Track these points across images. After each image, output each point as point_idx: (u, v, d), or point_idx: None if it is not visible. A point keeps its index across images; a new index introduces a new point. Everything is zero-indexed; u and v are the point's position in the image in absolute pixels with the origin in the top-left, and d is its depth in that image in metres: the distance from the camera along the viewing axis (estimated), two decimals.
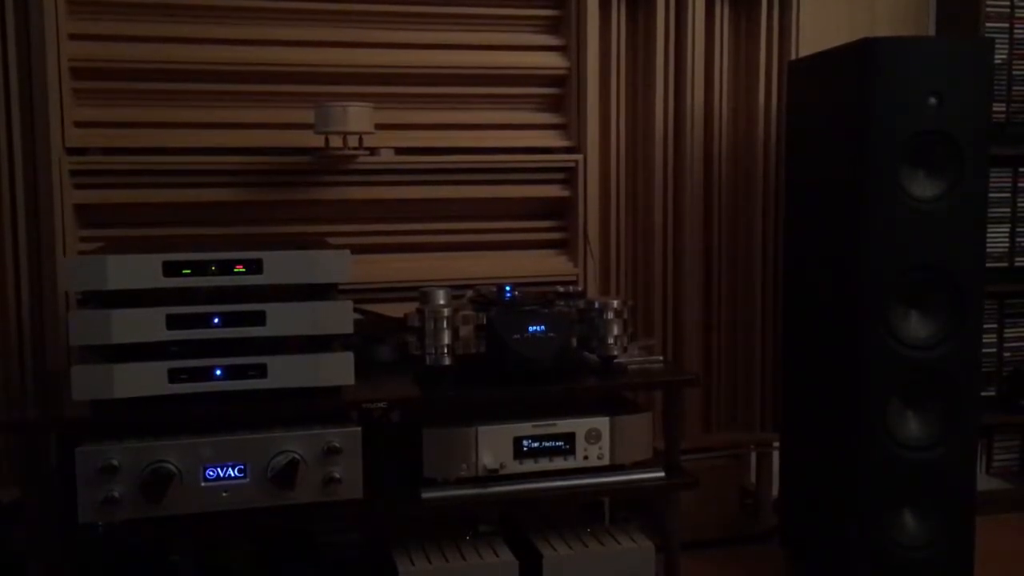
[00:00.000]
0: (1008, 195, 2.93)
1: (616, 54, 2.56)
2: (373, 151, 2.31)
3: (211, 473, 1.74)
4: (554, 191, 2.48)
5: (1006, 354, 3.00)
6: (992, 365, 2.98)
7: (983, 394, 2.90)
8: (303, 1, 2.29)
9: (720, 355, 2.71)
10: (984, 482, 2.95)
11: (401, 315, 2.09)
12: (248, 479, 1.76)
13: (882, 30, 2.92)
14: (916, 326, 2.17)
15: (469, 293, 2.15)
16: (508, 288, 2.06)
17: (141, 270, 1.73)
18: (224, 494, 1.75)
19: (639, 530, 2.11)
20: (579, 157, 2.45)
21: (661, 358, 2.17)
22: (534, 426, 1.96)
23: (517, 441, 1.94)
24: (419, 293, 2.06)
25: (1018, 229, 2.94)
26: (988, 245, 2.28)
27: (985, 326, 2.80)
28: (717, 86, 2.63)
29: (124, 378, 1.72)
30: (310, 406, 1.83)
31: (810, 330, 2.39)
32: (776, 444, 2.71)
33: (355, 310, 1.89)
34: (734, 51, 2.67)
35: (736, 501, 2.76)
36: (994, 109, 2.73)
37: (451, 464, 1.91)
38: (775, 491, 2.74)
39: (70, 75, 2.16)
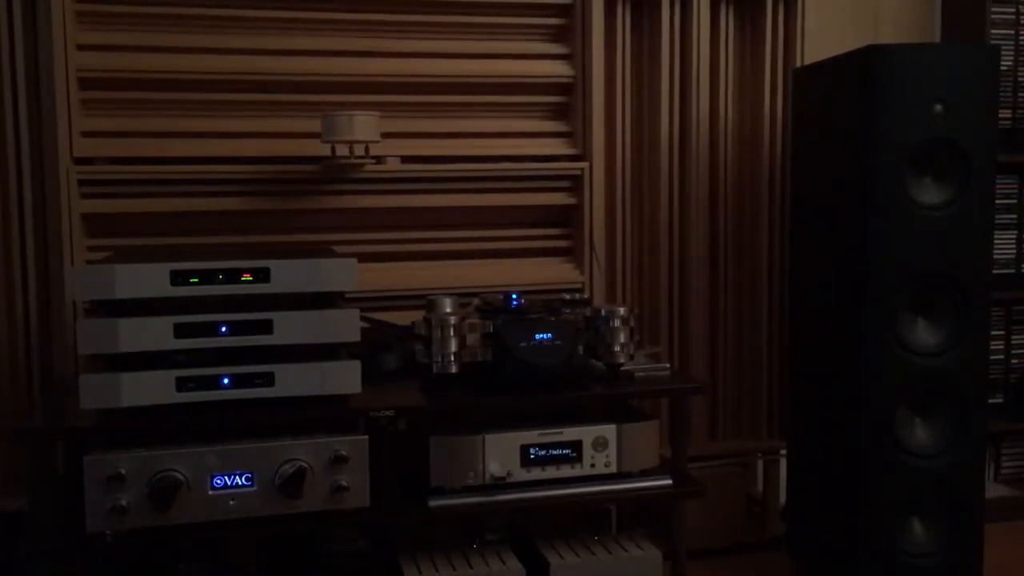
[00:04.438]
0: (1015, 201, 2.92)
1: (621, 62, 2.56)
2: (379, 160, 2.31)
3: (219, 481, 1.75)
4: (560, 199, 2.49)
5: (1013, 361, 2.99)
6: (999, 372, 2.97)
7: (990, 401, 2.89)
8: (309, 11, 2.30)
9: (726, 362, 2.71)
10: (992, 489, 2.94)
11: (408, 323, 2.09)
12: (255, 487, 1.76)
13: (887, 37, 2.92)
14: (923, 333, 2.17)
15: (475, 301, 2.15)
16: (514, 296, 2.06)
17: (149, 279, 1.73)
18: (232, 502, 1.75)
19: (646, 538, 2.11)
20: (585, 165, 2.46)
21: (668, 365, 2.16)
22: (541, 434, 1.96)
23: (524, 449, 1.94)
24: (426, 301, 2.06)
25: None
26: (995, 252, 2.27)
27: (992, 333, 2.79)
28: (722, 93, 2.63)
29: (132, 387, 1.72)
30: (317, 414, 1.83)
31: (816, 337, 2.38)
32: (783, 451, 2.71)
33: (362, 318, 1.89)
34: (739, 58, 2.67)
35: (743, 509, 2.75)
36: (1000, 116, 2.73)
37: (458, 472, 1.91)
38: (782, 499, 2.73)
39: (78, 85, 2.17)
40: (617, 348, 2.01)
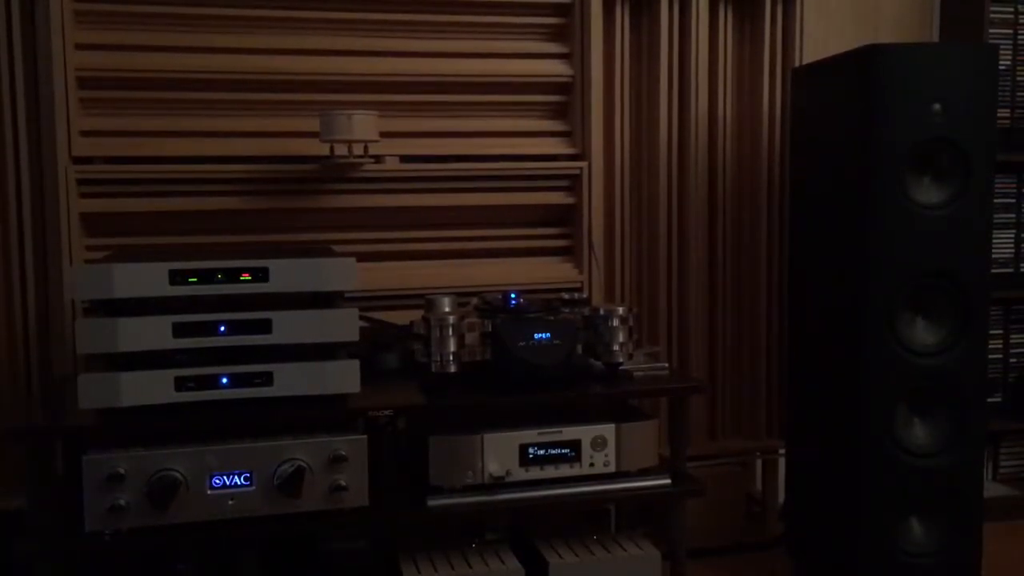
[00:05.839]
0: (1013, 201, 2.93)
1: (620, 61, 2.56)
2: (378, 159, 2.31)
3: (217, 481, 1.75)
4: (559, 198, 2.49)
5: (1012, 360, 2.99)
6: (998, 371, 2.97)
7: (989, 400, 2.89)
8: (307, 10, 2.30)
9: (725, 361, 2.71)
10: (991, 489, 2.94)
11: (407, 322, 2.09)
12: (254, 487, 1.76)
13: (885, 36, 2.92)
14: (922, 332, 2.17)
15: (474, 300, 2.15)
16: (513, 295, 2.06)
17: (147, 278, 1.73)
18: (230, 502, 1.75)
19: (645, 537, 2.11)
20: (584, 164, 2.46)
21: (666, 365, 2.16)
22: (540, 433, 1.96)
23: (523, 448, 1.94)
24: (425, 300, 2.06)
25: (1023, 235, 2.94)
26: (993, 251, 2.27)
27: (991, 332, 2.79)
28: (721, 93, 2.63)
29: (130, 386, 1.72)
30: (316, 414, 1.83)
31: (816, 336, 2.38)
32: (782, 451, 2.71)
33: (361, 318, 1.89)
34: (738, 58, 2.67)
35: (742, 508, 2.75)
36: (999, 115, 2.73)
37: (457, 472, 1.91)
38: (781, 498, 2.73)
39: (76, 84, 2.17)
40: (616, 347, 2.01)
